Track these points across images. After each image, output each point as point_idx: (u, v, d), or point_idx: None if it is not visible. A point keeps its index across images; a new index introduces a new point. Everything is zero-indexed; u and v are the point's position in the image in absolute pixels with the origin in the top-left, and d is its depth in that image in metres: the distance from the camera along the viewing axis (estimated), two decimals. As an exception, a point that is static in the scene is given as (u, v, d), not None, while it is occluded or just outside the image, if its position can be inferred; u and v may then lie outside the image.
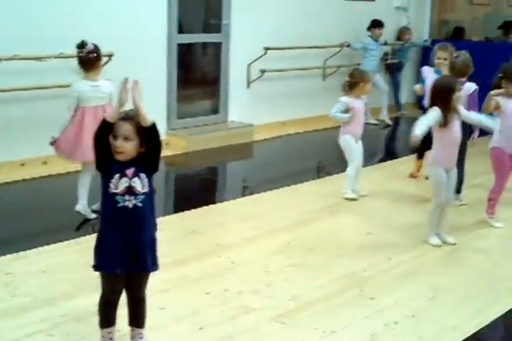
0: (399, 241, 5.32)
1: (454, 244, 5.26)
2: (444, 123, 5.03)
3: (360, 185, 6.46)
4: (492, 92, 5.52)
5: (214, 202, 6.32)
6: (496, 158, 5.65)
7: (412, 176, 7.13)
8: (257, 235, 5.36)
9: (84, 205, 5.57)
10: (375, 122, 10.25)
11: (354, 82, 6.27)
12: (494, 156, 5.66)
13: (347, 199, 6.32)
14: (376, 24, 10.27)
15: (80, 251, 4.81)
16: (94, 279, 3.47)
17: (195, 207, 5.99)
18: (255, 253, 4.98)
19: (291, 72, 9.56)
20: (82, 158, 5.48)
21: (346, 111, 6.28)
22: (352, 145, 6.34)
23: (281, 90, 9.54)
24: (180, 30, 8.41)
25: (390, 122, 10.41)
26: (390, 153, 9.01)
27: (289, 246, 5.16)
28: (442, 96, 5.02)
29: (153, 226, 3.41)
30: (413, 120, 10.53)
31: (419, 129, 5.00)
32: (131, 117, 3.22)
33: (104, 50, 7.23)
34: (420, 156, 7.03)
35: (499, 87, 5.57)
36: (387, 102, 10.56)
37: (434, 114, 5.01)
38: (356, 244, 5.25)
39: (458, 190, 6.11)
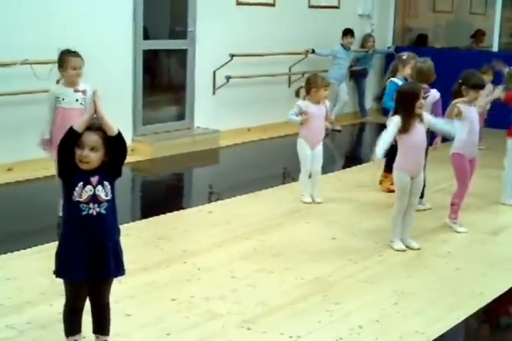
0: (363, 246, 5.36)
1: (418, 248, 5.31)
2: (407, 129, 5.09)
3: (317, 192, 6.48)
4: (456, 100, 5.60)
5: (180, 208, 6.31)
6: (457, 163, 5.74)
7: (390, 190, 6.98)
8: (224, 241, 5.37)
9: None
10: (339, 129, 10.23)
11: (308, 88, 6.34)
12: (455, 162, 5.75)
13: (304, 203, 6.38)
14: (346, 32, 10.33)
15: (44, 258, 4.77)
16: (59, 286, 3.45)
17: (161, 213, 5.98)
18: (222, 259, 4.99)
19: (257, 79, 9.60)
20: None
21: (301, 114, 6.32)
22: (304, 150, 6.38)
23: (246, 96, 9.58)
24: (146, 37, 8.40)
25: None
26: (355, 159, 9.07)
27: (255, 251, 5.18)
28: (406, 101, 5.09)
29: (117, 232, 3.41)
30: (378, 126, 10.74)
31: (381, 150, 5.02)
32: (99, 128, 3.23)
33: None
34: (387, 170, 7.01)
35: (459, 92, 5.65)
36: (337, 110, 10.43)
37: (393, 126, 5.08)
38: (321, 249, 5.28)
39: (421, 195, 6.16)
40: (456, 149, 5.74)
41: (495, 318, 4.53)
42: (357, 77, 11.28)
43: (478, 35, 12.11)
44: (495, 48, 11.16)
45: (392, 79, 6.63)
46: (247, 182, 7.38)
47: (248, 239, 5.43)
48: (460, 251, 5.42)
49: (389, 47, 11.79)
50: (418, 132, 5.16)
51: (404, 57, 6.46)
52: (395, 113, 5.20)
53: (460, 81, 5.67)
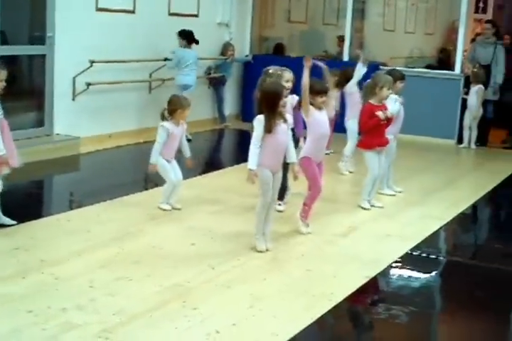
0: (221, 251, 5.39)
1: (267, 250, 5.41)
2: (270, 129, 5.17)
3: (177, 198, 6.45)
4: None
5: (39, 217, 6.11)
6: (306, 167, 5.83)
7: None
8: (83, 249, 5.25)
9: None
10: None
11: (172, 109, 6.32)
12: (304, 165, 5.83)
13: (162, 209, 6.34)
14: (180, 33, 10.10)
15: None
16: None
17: (19, 223, 5.77)
18: (80, 268, 4.87)
19: (118, 85, 9.46)
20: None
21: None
22: (165, 166, 6.35)
23: (107, 103, 9.42)
24: (4, 42, 8.10)
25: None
26: (215, 164, 9.11)
27: (114, 259, 5.10)
28: (269, 101, 5.17)
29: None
30: (237, 131, 10.84)
31: (253, 161, 5.17)
32: None
33: None
34: None
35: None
36: None
37: (258, 125, 5.18)
38: (180, 255, 5.27)
39: (281, 197, 6.29)
40: (304, 153, 5.86)
41: (345, 317, 4.67)
42: (216, 84, 11.34)
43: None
44: (345, 57, 11.53)
45: None
46: (108, 189, 7.27)
47: (108, 247, 5.34)
48: (312, 253, 5.54)
49: (246, 56, 11.94)
50: (282, 131, 5.25)
51: (270, 71, 6.48)
52: (259, 113, 5.24)
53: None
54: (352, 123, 8.21)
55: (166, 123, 6.32)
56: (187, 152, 6.56)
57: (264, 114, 5.20)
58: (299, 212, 5.97)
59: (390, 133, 6.94)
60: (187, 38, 10.02)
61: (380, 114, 6.51)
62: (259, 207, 5.41)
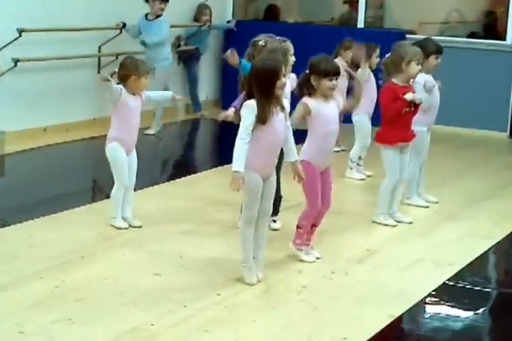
0: (195, 284, 5.38)
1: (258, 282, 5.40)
2: (264, 118, 5.12)
3: (131, 211, 6.46)
4: (304, 99, 5.70)
5: (-50, 240, 6.12)
6: (307, 174, 5.64)
7: None
8: (9, 283, 5.23)
9: None
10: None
11: (124, 75, 6.30)
12: (305, 171, 5.61)
13: (115, 228, 6.35)
14: None
15: None
16: None
17: None
18: (5, 308, 4.85)
19: (56, 62, 9.51)
20: None
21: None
22: (120, 157, 6.33)
23: (42, 86, 9.45)
24: None
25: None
26: (187, 167, 9.11)
27: (52, 295, 5.08)
28: (263, 82, 5.12)
29: None
30: (216, 123, 10.82)
31: (239, 162, 5.09)
32: None
33: None
34: None
35: (308, 85, 5.73)
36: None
37: (249, 114, 5.11)
38: (140, 288, 5.25)
39: (275, 211, 6.27)
40: (304, 156, 5.73)
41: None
42: (187, 59, 11.35)
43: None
44: (360, 24, 11.55)
45: None
46: (43, 201, 7.28)
47: (43, 279, 5.32)
48: (318, 284, 5.53)
49: (228, 22, 11.97)
50: (278, 123, 5.21)
51: (260, 43, 6.45)
52: (249, 97, 5.18)
53: (308, 71, 5.74)
54: (360, 119, 8.26)
55: (119, 86, 6.26)
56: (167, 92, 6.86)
57: (257, 98, 5.15)
58: (292, 241, 5.90)
59: (423, 123, 6.92)
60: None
61: (409, 96, 6.44)
62: (243, 224, 5.39)
